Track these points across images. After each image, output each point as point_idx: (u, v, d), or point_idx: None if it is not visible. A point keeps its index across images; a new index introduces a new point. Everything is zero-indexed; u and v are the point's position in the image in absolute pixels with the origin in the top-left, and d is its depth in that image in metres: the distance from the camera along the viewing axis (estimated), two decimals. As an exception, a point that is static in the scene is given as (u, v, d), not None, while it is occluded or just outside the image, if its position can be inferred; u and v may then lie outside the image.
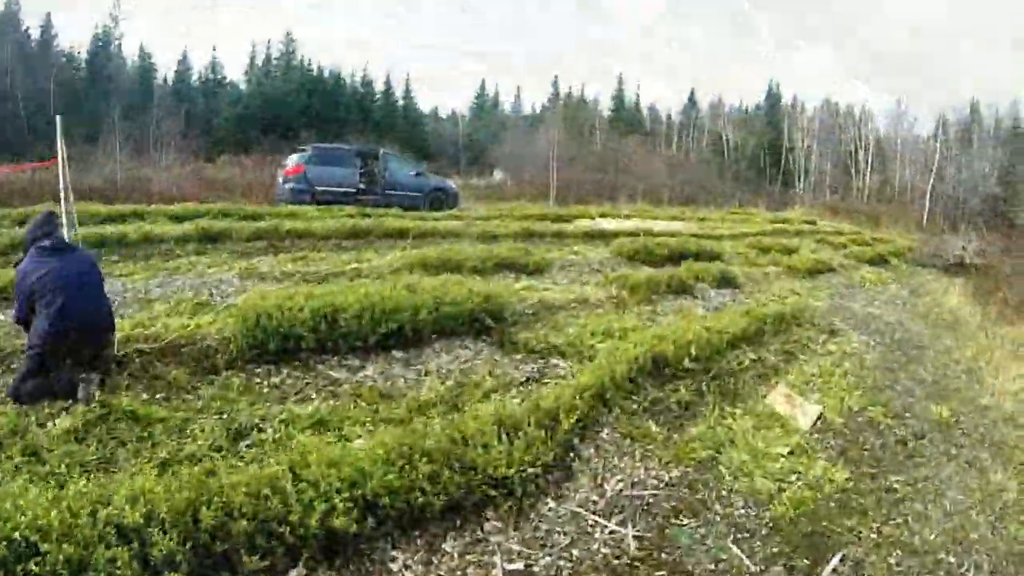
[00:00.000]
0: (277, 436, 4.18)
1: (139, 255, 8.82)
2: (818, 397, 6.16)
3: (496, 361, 5.99)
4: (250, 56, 52.42)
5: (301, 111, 46.88)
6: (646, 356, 5.57)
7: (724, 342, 6.47)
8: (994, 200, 38.02)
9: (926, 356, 8.60)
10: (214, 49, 71.45)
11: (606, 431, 4.83)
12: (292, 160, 16.89)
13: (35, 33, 42.89)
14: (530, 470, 3.94)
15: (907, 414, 6.24)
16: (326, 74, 52.21)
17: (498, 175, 41.10)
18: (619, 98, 59.71)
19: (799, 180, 45.49)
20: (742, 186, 41.47)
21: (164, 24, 74.62)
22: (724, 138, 52.23)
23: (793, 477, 4.65)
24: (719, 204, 35.67)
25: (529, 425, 4.22)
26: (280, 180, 17.09)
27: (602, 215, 21.38)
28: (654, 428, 4.97)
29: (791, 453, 4.97)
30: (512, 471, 3.85)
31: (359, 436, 4.27)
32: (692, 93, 58.64)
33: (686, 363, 5.83)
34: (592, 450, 4.60)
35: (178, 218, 11.70)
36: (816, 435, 5.44)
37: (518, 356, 6.16)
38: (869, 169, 44.12)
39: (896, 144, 44.34)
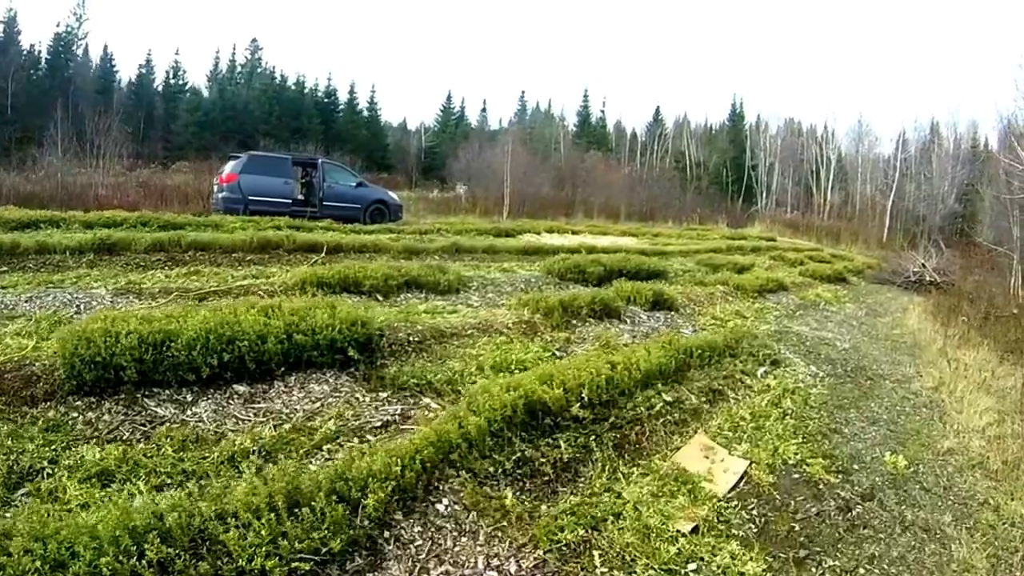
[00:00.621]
0: (53, 486, 3.33)
1: (30, 266, 8.00)
2: (746, 448, 4.96)
3: (356, 400, 4.83)
4: (214, 61, 51.35)
5: (262, 119, 45.86)
6: (520, 401, 4.32)
7: (633, 381, 5.25)
8: (953, 217, 37.77)
9: (882, 388, 7.48)
10: (176, 53, 70.32)
11: (445, 501, 3.62)
12: (227, 168, 16.11)
13: None
14: (305, 560, 2.72)
15: (855, 466, 5.06)
16: (290, 82, 51.10)
17: (459, 188, 40.25)
18: (584, 113, 59.19)
19: (761, 197, 44.98)
20: (704, 203, 40.78)
21: (130, 25, 72.44)
22: (687, 155, 51.73)
23: (690, 569, 3.42)
24: (679, 220, 35.02)
25: (329, 495, 3.10)
26: (215, 189, 16.30)
27: (550, 230, 20.38)
28: (510, 499, 3.71)
29: (695, 531, 3.75)
30: (272, 563, 2.73)
31: (140, 493, 3.27)
32: (657, 110, 58.33)
33: (575, 409, 4.58)
34: (418, 529, 3.37)
35: (91, 226, 10.69)
36: (735, 502, 4.22)
37: (384, 394, 5.00)
38: (830, 187, 43.77)
39: (857, 162, 44.07)
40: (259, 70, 50.83)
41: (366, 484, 3.31)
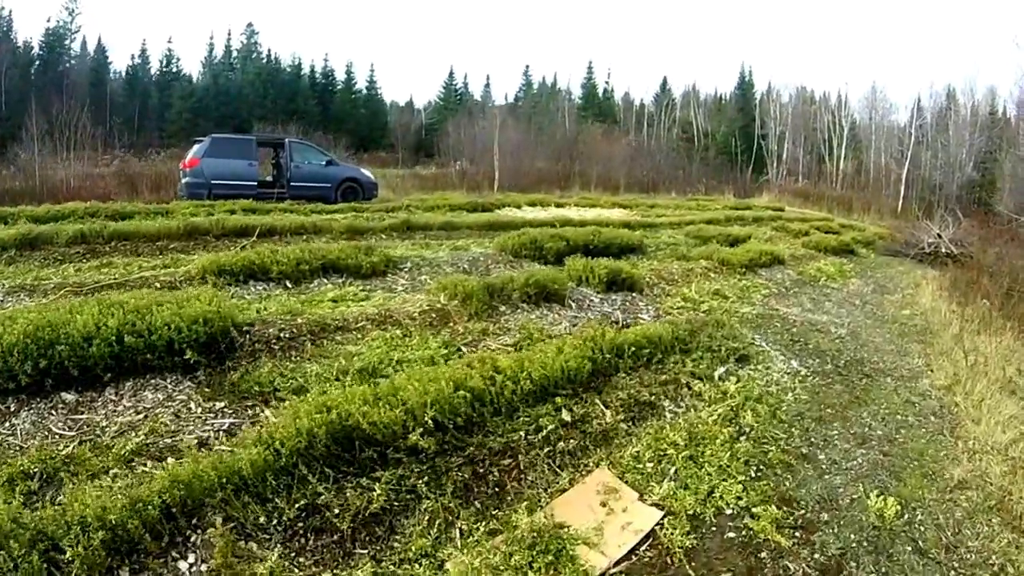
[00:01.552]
0: None
1: (-53, 265, 7.31)
2: (668, 490, 3.49)
3: (187, 411, 3.91)
4: (208, 47, 50.08)
5: (257, 102, 44.75)
6: (324, 428, 2.91)
7: (523, 393, 3.78)
8: (971, 186, 35.60)
9: (881, 389, 5.95)
10: (169, 41, 69.05)
11: (191, 558, 2.64)
12: (190, 153, 15.59)
13: None
14: None
15: (824, 516, 3.57)
16: (285, 64, 49.71)
17: (459, 164, 38.90)
18: (589, 85, 57.13)
19: (772, 167, 42.92)
20: (711, 173, 38.87)
21: (124, 16, 71.07)
22: (695, 125, 49.68)
23: None
24: (684, 192, 33.26)
25: (33, 540, 2.46)
26: (181, 175, 15.83)
27: (532, 204, 18.92)
28: (273, 560, 2.52)
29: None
30: None
31: None
32: (664, 80, 56.15)
33: (415, 437, 3.14)
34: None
35: (38, 220, 10.14)
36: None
37: (220, 404, 4.01)
38: (843, 155, 41.58)
39: (871, 129, 41.80)
40: (255, 55, 49.36)
41: (86, 528, 2.49)
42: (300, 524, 2.74)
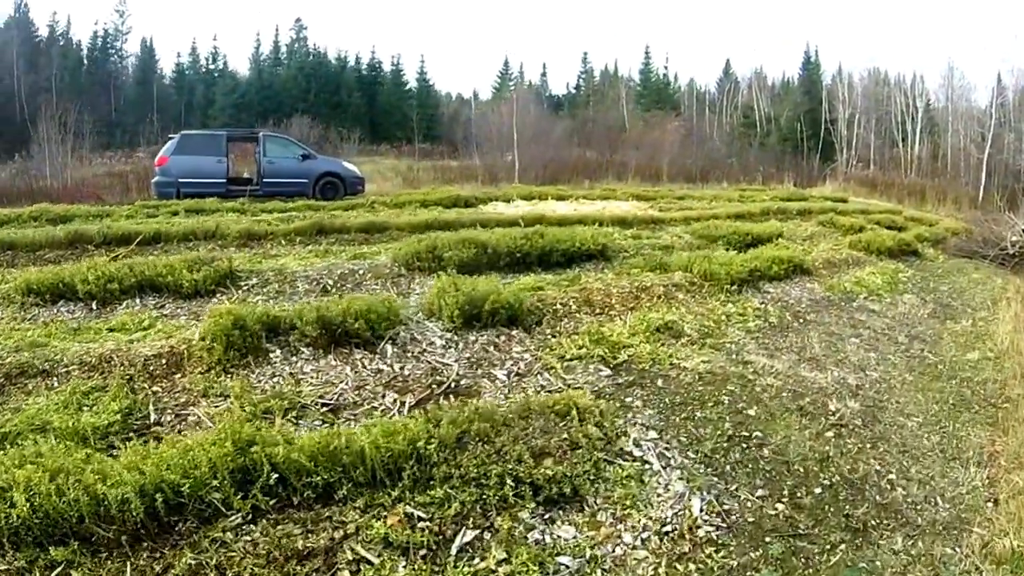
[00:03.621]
0: None
1: None
2: None
3: None
4: (255, 43, 49.30)
5: (300, 96, 43.39)
6: None
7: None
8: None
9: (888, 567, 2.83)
10: (215, 39, 69.14)
11: None
12: (162, 151, 14.71)
13: (44, 30, 41.89)
14: None
15: None
16: (330, 58, 48.15)
17: (509, 156, 36.32)
18: (646, 71, 53.14)
19: (841, 153, 37.94)
20: (771, 161, 34.53)
21: (174, 16, 71.68)
22: (756, 109, 45.00)
23: None
24: (737, 181, 29.38)
25: None
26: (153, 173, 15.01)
27: (530, 196, 16.06)
28: None
29: None
30: None
31: None
32: (727, 64, 51.53)
33: None
34: None
35: None
36: None
37: None
38: (918, 140, 36.13)
39: (948, 111, 36.18)
40: (304, 50, 48.09)
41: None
42: None
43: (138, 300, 5.61)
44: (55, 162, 23.18)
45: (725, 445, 3.67)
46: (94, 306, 5.45)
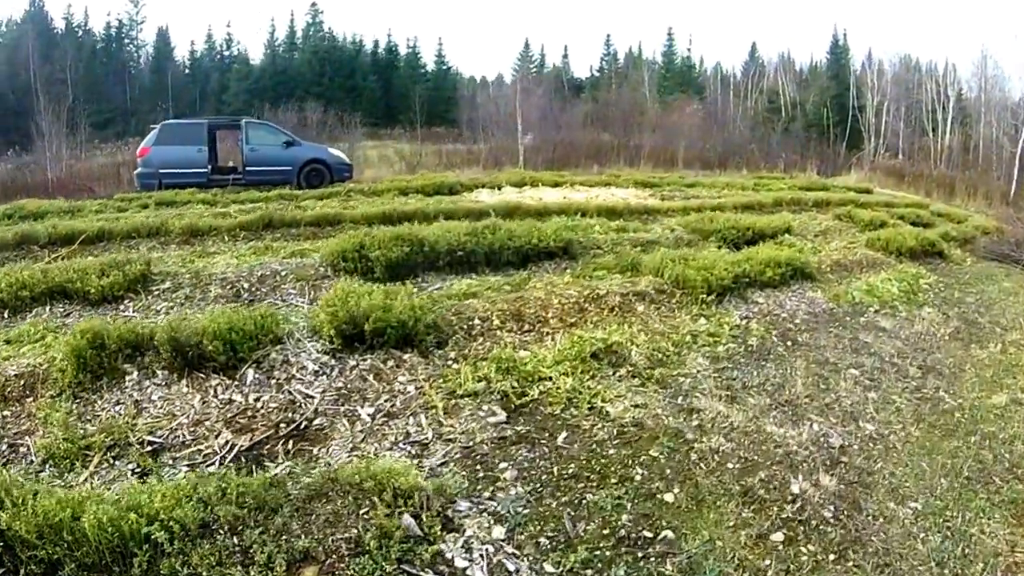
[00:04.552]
0: None
1: None
2: None
3: None
4: (270, 29, 48.32)
5: (314, 81, 42.34)
6: None
7: None
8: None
9: None
10: (228, 25, 68.27)
11: None
12: (144, 141, 14.27)
13: (60, 23, 41.43)
14: None
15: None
16: (345, 41, 47.00)
17: (527, 139, 34.98)
18: (669, 54, 51.07)
19: (868, 141, 35.81)
20: (795, 147, 32.65)
21: (190, 5, 70.61)
22: (782, 94, 42.83)
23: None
24: (758, 168, 27.76)
25: None
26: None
27: (520, 183, 14.67)
28: None
29: None
30: None
31: None
32: (753, 47, 49.31)
33: None
34: None
35: None
36: None
37: None
38: (949, 130, 33.83)
39: (981, 100, 33.83)
40: (319, 35, 46.95)
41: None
42: None
43: (48, 308, 5.12)
44: (54, 154, 22.47)
45: (608, 554, 2.46)
46: (6, 314, 5.03)
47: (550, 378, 3.89)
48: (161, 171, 13.17)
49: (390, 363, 3.93)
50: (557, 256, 6.98)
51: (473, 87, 51.79)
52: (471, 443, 3.18)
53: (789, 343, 5.31)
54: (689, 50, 52.90)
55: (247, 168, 13.95)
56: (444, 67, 50.69)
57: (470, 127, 32.94)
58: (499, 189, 13.57)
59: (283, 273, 5.74)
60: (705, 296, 5.77)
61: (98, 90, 36.11)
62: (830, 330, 5.85)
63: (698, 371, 4.40)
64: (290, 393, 3.58)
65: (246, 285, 5.47)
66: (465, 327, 4.55)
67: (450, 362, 4.08)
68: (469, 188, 13.41)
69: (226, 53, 46.35)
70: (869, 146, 35.58)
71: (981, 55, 37.97)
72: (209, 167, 13.81)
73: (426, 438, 3.30)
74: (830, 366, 4.98)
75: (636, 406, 3.71)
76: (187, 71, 44.66)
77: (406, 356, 4.00)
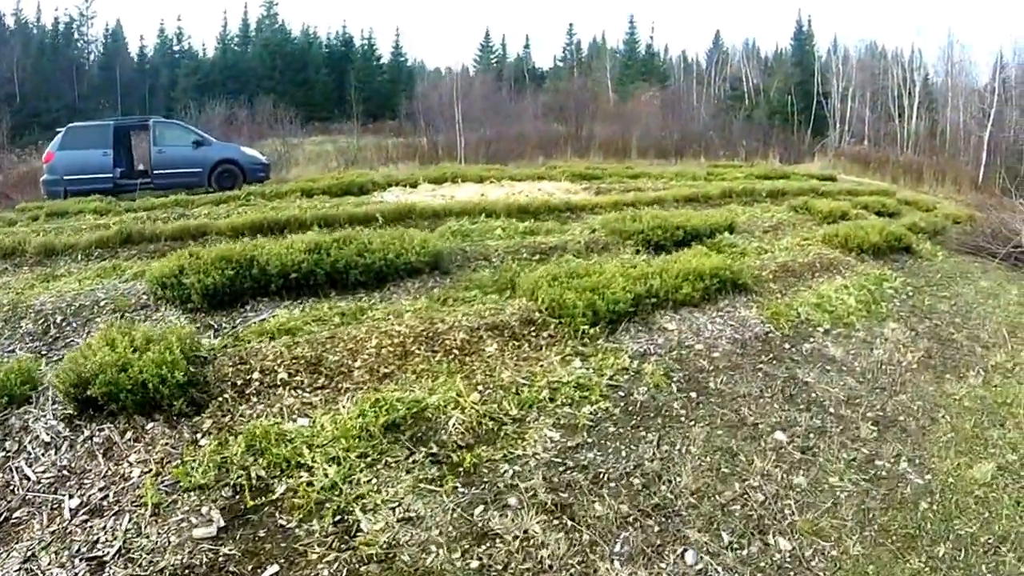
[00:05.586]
0: None
1: None
2: None
3: None
4: (222, 22, 46.54)
5: (265, 75, 40.74)
6: None
7: None
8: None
9: None
10: (179, 19, 66.01)
11: None
12: (50, 146, 13.33)
13: (9, 20, 39.16)
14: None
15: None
16: (295, 33, 45.21)
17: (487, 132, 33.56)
18: (631, 42, 49.92)
19: (834, 128, 34.79)
20: (758, 135, 31.52)
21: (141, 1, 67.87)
22: (744, 81, 41.77)
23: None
24: (717, 156, 26.65)
25: None
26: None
27: (438, 180, 13.07)
28: None
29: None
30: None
31: None
32: (717, 35, 48.25)
33: None
34: None
35: None
36: None
37: None
38: (915, 115, 32.99)
39: (947, 85, 33.08)
40: (274, 27, 45.04)
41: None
42: None
43: None
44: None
45: None
46: None
47: (311, 467, 2.40)
48: (66, 177, 12.29)
49: (128, 435, 2.62)
50: (424, 273, 5.47)
51: (438, 79, 50.12)
52: (154, 570, 1.76)
53: (694, 394, 3.82)
54: (652, 38, 51.84)
55: (155, 172, 13.02)
56: (400, 59, 49.00)
57: (411, 120, 31.24)
58: (414, 187, 12.00)
59: (103, 303, 4.36)
60: (588, 328, 4.27)
61: (47, 88, 34.49)
62: (759, 368, 4.38)
63: (536, 452, 2.90)
64: (11, 471, 2.36)
65: (59, 319, 4.22)
66: (241, 381, 3.07)
67: (200, 434, 2.64)
68: (383, 187, 11.85)
69: (176, 48, 44.39)
70: (834, 133, 34.61)
71: (947, 40, 37.25)
72: (117, 172, 12.86)
73: (108, 553, 1.97)
74: (746, 430, 3.50)
75: (406, 520, 2.23)
76: (137, 67, 42.67)
77: (150, 425, 2.60)
